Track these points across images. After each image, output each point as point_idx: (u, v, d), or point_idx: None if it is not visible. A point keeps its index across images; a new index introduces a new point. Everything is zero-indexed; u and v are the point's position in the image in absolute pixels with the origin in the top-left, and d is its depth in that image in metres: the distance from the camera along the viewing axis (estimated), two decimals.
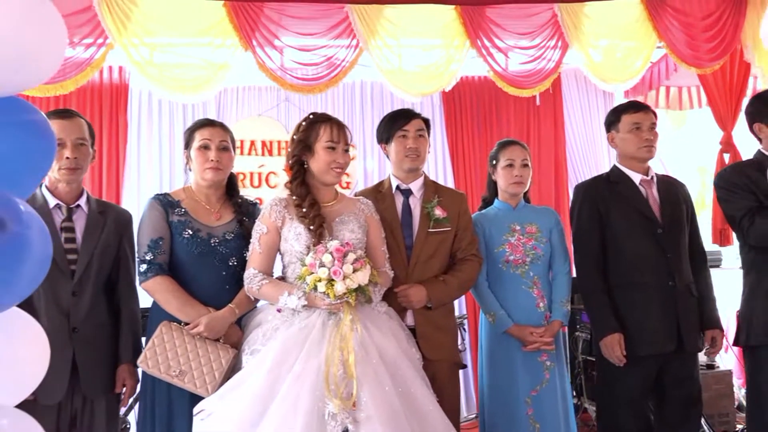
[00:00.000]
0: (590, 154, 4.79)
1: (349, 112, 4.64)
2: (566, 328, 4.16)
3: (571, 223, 2.72)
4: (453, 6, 3.21)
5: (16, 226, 0.81)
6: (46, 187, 2.31)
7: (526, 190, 2.78)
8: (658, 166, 4.98)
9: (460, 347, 4.06)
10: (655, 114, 2.70)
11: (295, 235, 2.15)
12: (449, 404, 2.43)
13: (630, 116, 2.64)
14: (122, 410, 2.78)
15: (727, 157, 3.72)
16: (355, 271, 1.98)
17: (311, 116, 2.27)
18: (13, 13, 0.85)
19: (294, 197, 2.20)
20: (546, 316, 2.63)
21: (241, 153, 4.40)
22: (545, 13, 3.33)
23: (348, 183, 4.54)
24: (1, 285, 0.80)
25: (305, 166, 2.22)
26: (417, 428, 1.97)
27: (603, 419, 2.69)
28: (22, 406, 2.08)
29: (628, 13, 3.40)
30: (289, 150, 2.28)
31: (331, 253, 1.99)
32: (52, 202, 2.28)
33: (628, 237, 2.56)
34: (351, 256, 2.00)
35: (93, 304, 2.28)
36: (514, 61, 3.51)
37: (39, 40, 0.93)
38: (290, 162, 2.25)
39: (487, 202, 2.84)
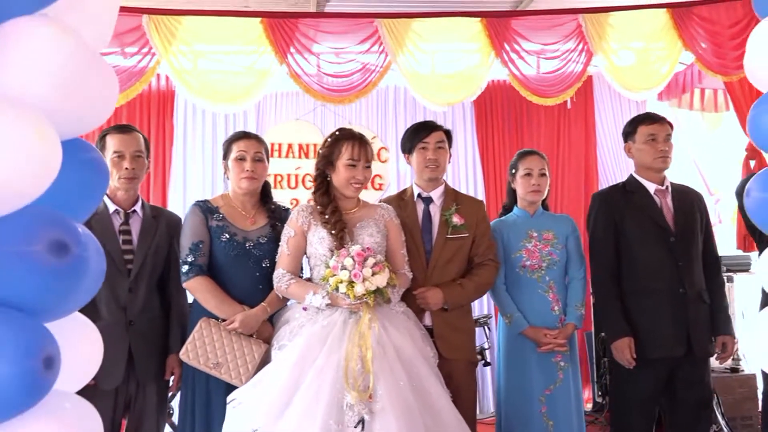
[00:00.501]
0: (621, 158, 4.80)
1: (383, 116, 4.80)
2: (589, 329, 4.28)
3: (588, 231, 2.84)
4: (479, 18, 3.34)
5: (77, 248, 1.01)
6: (107, 194, 2.56)
7: (544, 198, 2.91)
8: (692, 168, 5.01)
9: (485, 345, 4.22)
10: (671, 125, 2.78)
11: (319, 239, 2.34)
12: (466, 401, 2.59)
13: (646, 127, 2.73)
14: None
15: (753, 163, 3.74)
16: (374, 274, 2.16)
17: (337, 133, 2.45)
18: (77, 71, 1.06)
19: (318, 206, 2.40)
20: (561, 319, 2.75)
21: (279, 156, 4.63)
22: (570, 23, 3.42)
23: (381, 185, 4.73)
24: (66, 298, 1.01)
25: (328, 178, 2.41)
26: (430, 422, 2.14)
27: (615, 418, 2.81)
28: (84, 391, 2.37)
29: (653, 21, 3.45)
30: (315, 163, 2.47)
31: (352, 257, 2.18)
32: (111, 207, 2.53)
33: (642, 245, 2.66)
34: (371, 261, 2.17)
35: (147, 299, 2.51)
36: (538, 70, 3.61)
37: (97, 92, 1.13)
38: (315, 174, 2.44)
39: (507, 209, 2.97)
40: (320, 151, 2.45)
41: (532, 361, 2.74)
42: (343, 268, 2.16)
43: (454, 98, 3.52)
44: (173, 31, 3.10)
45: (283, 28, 3.18)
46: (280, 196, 4.29)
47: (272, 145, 4.69)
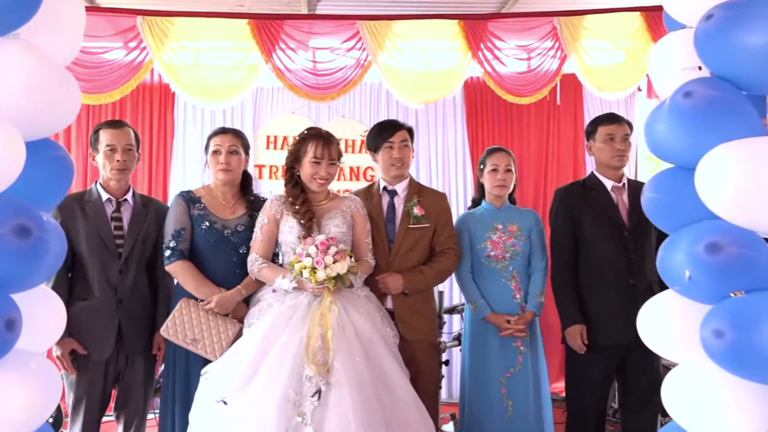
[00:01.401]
0: None
1: (376, 110, 4.93)
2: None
3: (549, 224, 3.01)
4: (456, 21, 3.50)
5: (39, 232, 1.22)
6: (100, 184, 2.79)
7: (510, 192, 3.07)
8: None
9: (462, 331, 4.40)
10: (630, 126, 2.93)
11: (289, 228, 2.54)
12: (427, 379, 2.79)
13: (605, 127, 2.88)
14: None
15: None
16: (335, 262, 2.35)
17: (305, 132, 2.64)
18: (41, 83, 1.26)
19: (289, 197, 2.60)
20: (522, 307, 2.93)
21: (275, 148, 4.82)
22: (545, 25, 3.56)
23: (372, 177, 4.90)
24: (29, 274, 1.21)
25: (297, 173, 2.61)
26: (384, 395, 2.33)
27: (569, 401, 2.98)
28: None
29: (627, 24, 3.58)
30: (285, 158, 2.67)
31: (316, 245, 2.38)
32: (104, 196, 2.76)
33: (597, 239, 2.82)
34: (333, 249, 2.37)
35: (136, 280, 2.74)
36: (513, 70, 3.75)
37: (60, 100, 1.34)
38: (284, 169, 2.65)
39: (476, 203, 3.15)
40: (289, 148, 2.65)
41: (494, 345, 2.92)
42: (308, 255, 2.36)
43: (431, 96, 3.69)
44: (165, 32, 3.31)
45: (269, 28, 3.38)
46: (276, 186, 4.48)
47: (268, 137, 4.90)
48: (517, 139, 5.01)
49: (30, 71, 1.22)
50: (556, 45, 3.58)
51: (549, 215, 3.02)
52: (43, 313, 1.32)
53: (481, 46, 3.57)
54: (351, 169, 4.99)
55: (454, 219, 3.04)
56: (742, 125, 1.35)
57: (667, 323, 1.49)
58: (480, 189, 3.11)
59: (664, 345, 1.51)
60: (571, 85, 4.51)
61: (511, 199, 3.11)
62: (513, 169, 3.02)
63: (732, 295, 1.33)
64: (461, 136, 4.98)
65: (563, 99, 4.78)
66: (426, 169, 4.99)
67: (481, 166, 3.06)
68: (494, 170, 2.99)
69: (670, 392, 1.46)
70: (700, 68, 1.44)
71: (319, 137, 2.59)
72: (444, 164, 4.99)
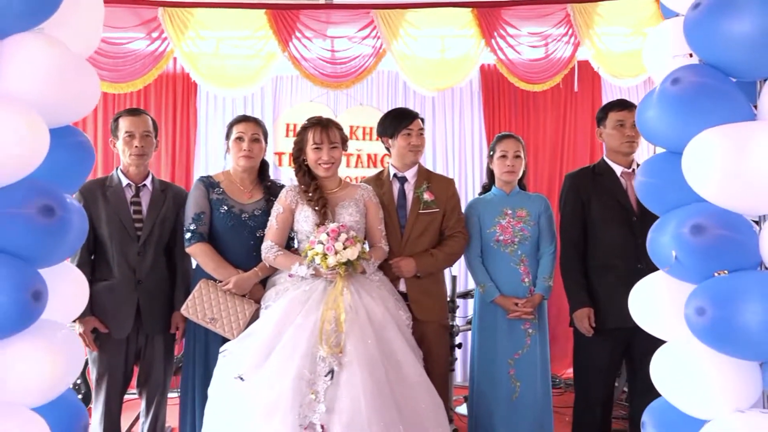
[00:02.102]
0: None
1: (393, 97, 5.01)
2: None
3: (559, 209, 3.05)
4: (469, 9, 3.53)
5: (62, 212, 1.33)
6: (121, 170, 2.92)
7: (519, 178, 3.12)
8: None
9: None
10: None
11: (305, 217, 2.64)
12: (437, 358, 2.87)
13: (616, 114, 2.92)
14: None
15: None
16: (345, 248, 2.44)
17: (306, 122, 2.75)
18: (63, 74, 1.36)
19: (302, 186, 2.69)
20: (530, 290, 3.00)
21: (294, 135, 4.87)
22: (559, 12, 3.58)
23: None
24: (53, 250, 1.32)
25: (306, 162, 2.70)
26: (393, 376, 2.42)
27: (576, 383, 3.04)
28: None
29: (641, 11, 3.57)
30: (292, 150, 2.77)
31: (327, 233, 2.47)
32: (124, 181, 2.89)
33: (606, 224, 2.86)
34: (343, 236, 2.46)
35: (154, 262, 2.87)
36: (526, 58, 3.78)
37: (80, 90, 1.44)
38: (292, 159, 2.74)
39: (486, 188, 3.21)
40: (294, 140, 2.75)
41: (503, 328, 2.99)
42: (319, 242, 2.46)
43: (444, 84, 3.74)
44: (185, 22, 3.41)
45: (285, 18, 3.46)
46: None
47: (287, 125, 5.01)
48: (533, 125, 5.04)
49: (53, 63, 1.32)
50: (570, 32, 3.60)
51: (559, 200, 3.06)
52: (67, 287, 1.44)
53: (494, 33, 3.61)
54: (369, 156, 5.08)
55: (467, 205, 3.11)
56: (728, 111, 1.39)
57: (655, 302, 1.54)
58: (490, 175, 3.16)
59: (653, 323, 1.57)
60: (589, 72, 4.51)
61: (521, 184, 3.15)
62: (522, 156, 3.07)
63: (716, 274, 1.38)
64: (478, 122, 5.03)
65: (581, 86, 4.78)
66: (443, 156, 5.05)
67: (491, 153, 3.12)
68: (503, 156, 3.04)
69: (658, 369, 1.52)
70: (691, 55, 1.49)
71: (317, 124, 2.69)
72: (460, 151, 5.04)
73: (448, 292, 3.84)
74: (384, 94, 5.01)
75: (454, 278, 3.96)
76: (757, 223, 1.43)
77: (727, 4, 1.35)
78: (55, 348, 1.34)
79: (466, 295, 4.21)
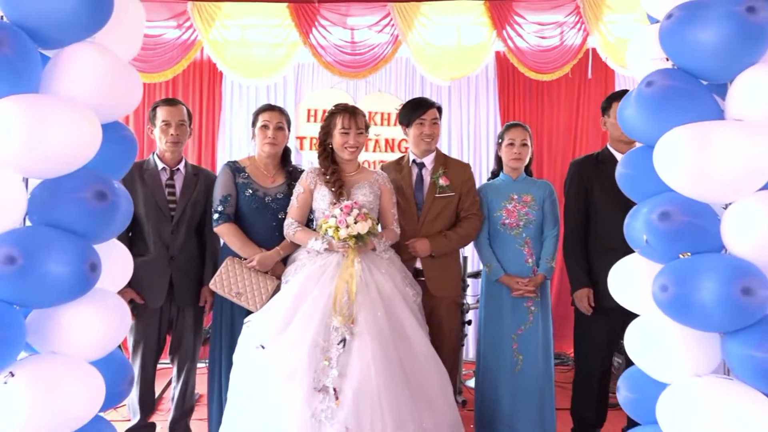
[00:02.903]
0: None
1: (410, 85, 5.18)
2: None
3: (564, 195, 3.23)
4: (482, 1, 3.68)
5: (113, 196, 1.55)
6: (157, 155, 3.15)
7: (527, 165, 3.29)
8: None
9: None
10: None
11: (322, 196, 2.85)
12: (447, 333, 3.09)
13: (619, 104, 3.06)
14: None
15: None
16: (356, 222, 2.65)
17: (333, 107, 2.93)
18: (112, 78, 1.59)
19: (322, 168, 2.90)
20: (533, 270, 3.19)
21: (315, 121, 5.12)
22: (569, 4, 3.70)
23: (406, 149, 5.14)
24: (105, 228, 1.55)
25: (329, 146, 2.90)
26: (401, 346, 2.63)
27: (576, 358, 3.24)
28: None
29: None
30: (318, 133, 2.96)
31: (341, 208, 2.68)
32: (160, 165, 3.13)
33: (606, 210, 3.02)
34: (354, 212, 2.67)
35: (186, 240, 3.12)
36: (536, 48, 3.91)
37: (127, 91, 1.66)
38: (318, 143, 2.94)
39: (494, 174, 3.39)
40: (321, 124, 2.94)
41: (507, 305, 3.18)
42: (333, 216, 2.67)
43: (457, 74, 3.90)
44: (213, 15, 3.62)
45: (306, 11, 3.65)
46: (316, 157, 4.83)
47: (309, 111, 5.21)
48: (547, 112, 5.18)
49: (105, 70, 1.54)
50: (579, 22, 3.72)
51: (563, 186, 3.23)
52: (116, 261, 1.67)
53: (505, 24, 3.75)
54: (386, 141, 5.27)
55: None
56: (696, 110, 1.56)
57: (630, 280, 1.73)
58: (498, 161, 3.34)
59: (628, 298, 1.76)
60: (602, 60, 4.63)
61: (528, 171, 3.32)
62: (529, 144, 3.24)
63: (680, 256, 1.56)
64: (493, 109, 5.18)
65: (594, 73, 4.90)
66: (458, 143, 5.22)
67: (500, 140, 3.29)
68: (511, 144, 3.21)
69: (631, 339, 1.71)
70: (667, 59, 1.65)
71: (345, 110, 2.87)
72: (476, 137, 5.20)
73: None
74: (402, 81, 5.18)
75: (464, 259, 4.15)
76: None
77: (695, 16, 1.51)
78: (108, 312, 1.58)
79: (476, 275, 4.41)
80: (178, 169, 3.17)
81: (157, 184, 3.09)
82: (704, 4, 1.51)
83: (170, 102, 3.16)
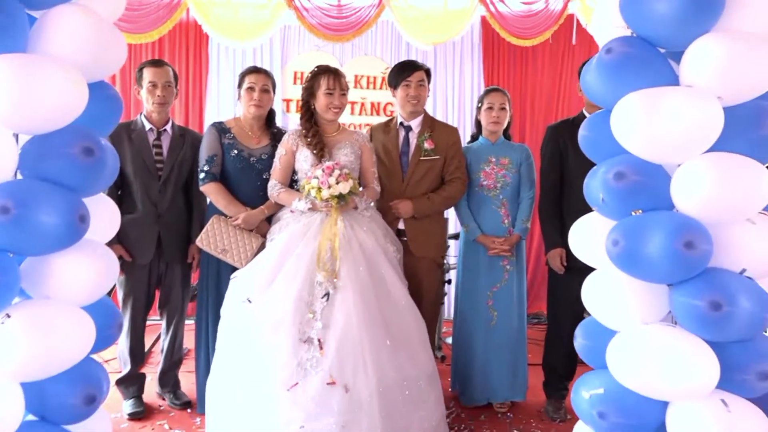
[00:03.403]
0: None
1: (396, 48, 5.18)
2: None
3: (540, 158, 3.33)
4: None
5: (100, 152, 1.64)
6: (144, 115, 3.22)
7: (505, 129, 3.39)
8: None
9: None
10: None
11: (304, 157, 2.94)
12: (428, 291, 3.21)
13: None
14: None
15: None
16: (338, 182, 2.75)
17: (315, 69, 2.99)
18: (97, 38, 1.66)
19: (303, 130, 2.98)
20: (509, 231, 3.32)
21: (301, 82, 5.10)
22: None
23: (392, 112, 5.21)
24: (93, 183, 1.63)
25: (312, 107, 2.97)
26: (382, 298, 2.76)
27: (549, 315, 3.39)
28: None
29: None
30: (300, 95, 3.03)
31: (322, 169, 2.77)
32: (147, 126, 3.20)
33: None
34: (336, 173, 2.76)
35: (173, 199, 3.22)
36: (517, 13, 3.96)
37: (111, 50, 1.73)
38: (300, 104, 3.01)
39: (474, 137, 3.49)
40: (303, 85, 3.00)
41: (483, 263, 3.33)
42: (315, 177, 2.77)
43: (439, 39, 3.96)
44: None
45: None
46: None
47: (295, 73, 5.24)
48: (531, 77, 5.25)
49: (89, 30, 1.61)
50: None
51: (540, 150, 3.33)
52: (103, 213, 1.77)
53: None
54: (372, 104, 5.32)
55: None
56: (652, 77, 1.65)
57: (588, 236, 1.85)
58: (478, 125, 3.43)
59: (587, 253, 1.88)
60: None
61: (506, 135, 3.42)
62: (507, 108, 3.33)
63: (633, 213, 1.68)
64: (477, 74, 5.24)
65: (578, 39, 4.96)
66: (443, 106, 5.28)
67: (479, 105, 3.38)
68: (490, 108, 3.30)
69: (587, 291, 1.84)
70: (627, 27, 1.74)
71: (328, 71, 2.94)
72: (460, 101, 5.27)
73: None
74: (387, 44, 5.21)
75: (445, 220, 4.27)
76: None
77: None
78: (96, 260, 1.68)
79: (456, 236, 4.54)
80: (165, 129, 3.24)
81: (144, 144, 3.17)
82: None
83: (156, 63, 3.22)
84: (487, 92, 3.36)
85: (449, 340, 4.43)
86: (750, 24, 1.60)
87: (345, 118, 5.11)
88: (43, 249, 1.57)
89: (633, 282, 1.69)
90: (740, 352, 1.60)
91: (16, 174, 1.59)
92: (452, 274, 4.52)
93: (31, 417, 1.63)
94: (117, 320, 1.80)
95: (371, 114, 5.25)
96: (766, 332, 1.71)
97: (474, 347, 3.34)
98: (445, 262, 4.17)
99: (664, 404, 1.67)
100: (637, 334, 1.66)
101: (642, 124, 1.61)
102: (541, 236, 3.51)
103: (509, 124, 3.40)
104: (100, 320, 1.68)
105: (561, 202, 3.21)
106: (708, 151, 1.61)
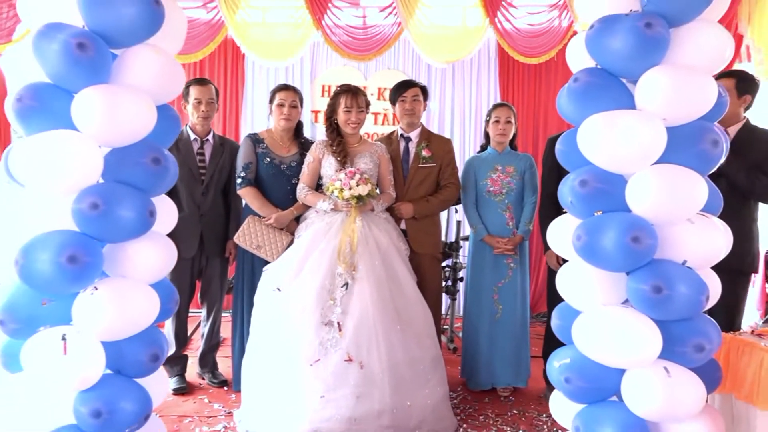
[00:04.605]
0: None
1: (417, 62, 5.59)
2: None
3: (541, 167, 3.68)
4: None
5: (165, 162, 2.06)
6: (189, 127, 3.67)
7: (511, 140, 3.75)
8: None
9: None
10: None
11: (329, 164, 3.35)
12: (430, 282, 3.58)
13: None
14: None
15: None
16: (358, 185, 3.15)
17: (337, 88, 3.41)
18: (164, 71, 2.08)
19: (329, 140, 3.40)
20: (513, 232, 3.67)
21: (328, 95, 5.58)
22: None
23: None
24: (158, 185, 2.06)
25: (335, 121, 3.39)
26: (394, 290, 3.16)
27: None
28: None
29: None
30: (325, 110, 3.46)
31: (345, 173, 3.19)
32: (192, 136, 3.65)
33: None
34: (357, 176, 3.17)
35: (214, 200, 3.66)
36: (525, 34, 4.32)
37: (174, 80, 2.15)
38: (325, 118, 3.43)
39: (483, 147, 3.86)
40: (328, 103, 3.43)
41: (489, 261, 3.69)
42: (338, 180, 3.18)
43: (452, 57, 4.34)
44: (236, 2, 4.09)
45: (320, 2, 4.10)
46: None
47: (323, 86, 5.68)
48: (543, 91, 5.59)
49: (158, 64, 2.03)
50: (565, 9, 4.10)
51: (541, 159, 3.68)
52: (165, 210, 2.19)
53: (497, 12, 4.17)
54: (394, 115, 5.66)
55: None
56: (611, 101, 2.01)
57: (562, 232, 2.20)
58: (486, 136, 3.81)
59: (560, 247, 2.23)
60: None
61: (512, 145, 3.79)
62: (513, 122, 3.70)
63: (595, 214, 2.03)
64: (494, 88, 5.60)
65: None
66: (460, 118, 5.65)
67: (488, 118, 3.75)
68: (497, 121, 3.68)
69: (560, 280, 2.19)
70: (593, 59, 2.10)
71: (348, 91, 3.35)
72: (477, 114, 5.63)
73: (452, 235, 4.56)
74: (409, 59, 5.62)
75: (458, 223, 4.65)
76: None
77: (609, 28, 1.95)
78: (160, 248, 2.10)
79: (467, 238, 4.90)
80: (207, 139, 3.68)
81: (189, 152, 3.62)
82: (616, 18, 1.95)
83: (201, 82, 3.67)
84: (495, 107, 3.73)
85: (462, 334, 4.80)
86: (690, 59, 1.96)
87: (369, 127, 5.55)
88: (121, 237, 1.99)
89: (594, 271, 2.05)
90: (681, 329, 1.95)
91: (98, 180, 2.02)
92: (464, 273, 4.89)
93: (108, 371, 2.05)
94: (174, 297, 2.22)
95: (393, 124, 5.64)
96: None
97: (480, 338, 3.70)
98: (458, 261, 4.55)
99: (620, 371, 2.02)
100: (597, 314, 2.02)
101: (602, 140, 1.97)
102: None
103: (515, 135, 3.77)
104: (162, 296, 2.10)
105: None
106: (656, 162, 1.96)
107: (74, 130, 1.92)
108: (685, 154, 1.97)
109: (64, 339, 1.87)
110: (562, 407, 2.19)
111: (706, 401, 1.99)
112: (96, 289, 1.91)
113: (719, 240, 1.97)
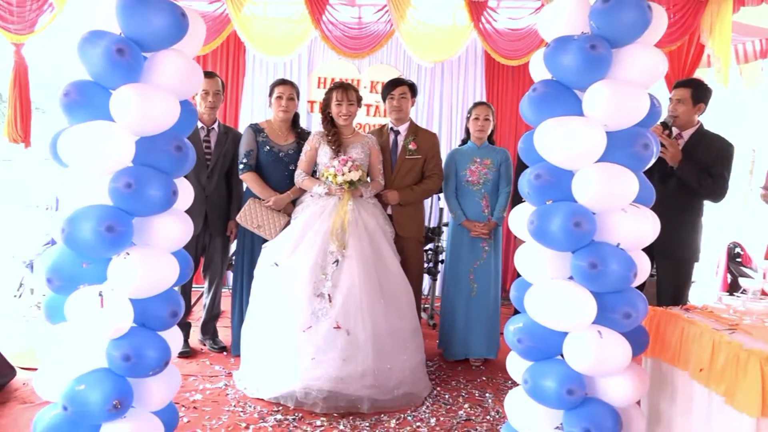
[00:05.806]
0: None
1: (408, 58, 5.95)
2: None
3: (516, 160, 4.07)
4: None
5: (186, 149, 2.44)
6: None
7: (489, 135, 4.14)
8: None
9: None
10: None
11: (324, 153, 3.73)
12: (413, 263, 3.98)
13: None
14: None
15: None
16: (350, 171, 3.54)
17: (331, 85, 3.78)
18: (186, 73, 2.45)
19: (324, 131, 3.77)
20: (488, 218, 4.08)
21: (324, 87, 5.95)
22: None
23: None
24: (179, 169, 2.45)
25: (329, 114, 3.76)
26: (380, 267, 3.56)
27: None
28: None
29: None
30: (320, 104, 3.83)
31: (338, 160, 3.57)
32: (199, 125, 4.01)
33: None
34: (349, 164, 3.55)
35: (218, 183, 4.04)
36: (508, 38, 4.70)
37: (194, 80, 2.52)
38: (321, 111, 3.81)
39: (464, 141, 4.25)
40: (323, 97, 3.81)
41: (466, 244, 4.10)
42: (332, 166, 3.56)
43: (438, 57, 4.72)
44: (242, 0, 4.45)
45: (319, 2, 4.45)
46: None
47: (319, 78, 6.04)
48: (526, 90, 5.86)
49: (181, 66, 2.40)
50: None
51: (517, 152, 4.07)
52: (183, 190, 2.57)
53: (481, 17, 4.54)
54: (385, 108, 6.08)
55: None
56: (562, 109, 2.39)
57: (521, 218, 2.60)
58: (467, 132, 4.20)
59: (519, 230, 2.63)
60: None
61: (490, 140, 4.18)
62: (491, 119, 4.09)
63: (546, 202, 2.43)
64: (480, 85, 5.98)
65: None
66: (448, 113, 6.04)
67: (468, 115, 4.15)
68: (476, 119, 4.07)
69: (518, 257, 2.59)
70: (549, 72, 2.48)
71: (339, 87, 3.73)
72: (463, 110, 6.00)
73: (435, 221, 4.95)
74: (400, 55, 5.98)
75: (441, 210, 5.05)
76: None
77: (562, 48, 2.33)
78: (180, 222, 2.48)
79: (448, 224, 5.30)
80: (213, 128, 4.05)
81: (197, 139, 3.98)
82: (568, 39, 2.33)
83: (209, 75, 4.03)
84: (475, 105, 4.13)
85: (440, 310, 5.21)
86: (629, 75, 2.35)
87: (361, 118, 5.91)
88: (148, 212, 2.36)
89: (544, 250, 2.45)
90: (613, 299, 2.35)
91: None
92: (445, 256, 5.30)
93: (134, 325, 2.43)
94: (189, 264, 2.60)
95: (384, 116, 6.02)
96: None
97: (457, 313, 4.12)
98: (439, 245, 4.95)
99: (563, 334, 2.42)
100: (544, 286, 2.42)
101: (554, 141, 2.36)
102: None
103: (493, 131, 4.16)
104: (180, 262, 2.48)
105: None
106: (597, 161, 2.35)
107: (111, 121, 2.29)
108: (622, 154, 2.36)
109: (101, 295, 2.25)
110: (515, 364, 2.60)
111: (641, 365, 2.39)
112: (128, 254, 2.28)
113: (647, 227, 2.37)
